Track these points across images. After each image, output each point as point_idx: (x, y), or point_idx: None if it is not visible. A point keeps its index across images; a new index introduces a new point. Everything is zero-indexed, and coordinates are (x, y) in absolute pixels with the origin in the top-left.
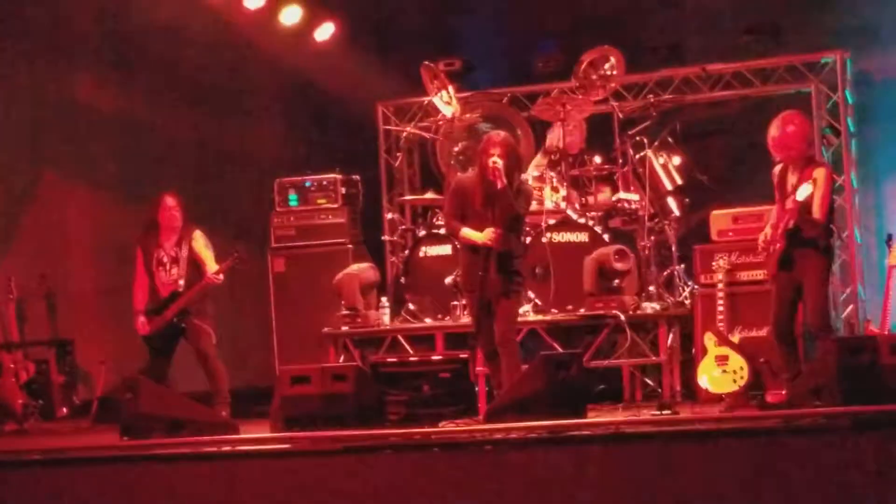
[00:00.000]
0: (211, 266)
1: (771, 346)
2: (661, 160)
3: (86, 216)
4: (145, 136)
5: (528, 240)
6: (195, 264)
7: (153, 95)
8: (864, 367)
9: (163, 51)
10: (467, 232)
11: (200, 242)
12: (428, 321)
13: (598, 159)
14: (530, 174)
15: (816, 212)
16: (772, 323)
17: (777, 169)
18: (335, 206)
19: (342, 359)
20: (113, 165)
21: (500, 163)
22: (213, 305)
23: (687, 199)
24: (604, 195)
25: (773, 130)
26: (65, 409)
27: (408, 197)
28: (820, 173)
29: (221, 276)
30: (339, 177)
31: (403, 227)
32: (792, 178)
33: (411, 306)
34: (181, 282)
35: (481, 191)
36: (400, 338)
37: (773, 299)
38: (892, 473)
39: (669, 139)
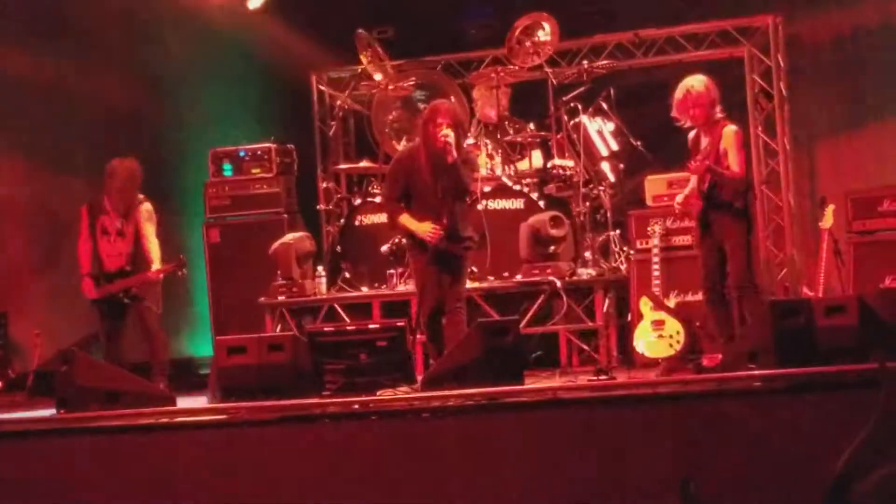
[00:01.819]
0: (154, 252)
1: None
2: (596, 126)
3: (18, 187)
4: (79, 107)
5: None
6: (140, 239)
7: (86, 65)
8: (799, 330)
9: (94, 19)
10: (407, 221)
11: (144, 216)
12: (364, 290)
13: (532, 126)
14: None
15: (734, 167)
16: (701, 288)
17: (692, 134)
18: (270, 175)
19: (279, 328)
20: (46, 136)
21: (451, 136)
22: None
23: (621, 165)
24: (538, 161)
25: (677, 93)
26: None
27: (343, 166)
28: (728, 131)
29: (161, 276)
30: (273, 146)
31: (339, 195)
32: (704, 142)
33: (347, 275)
34: (126, 258)
35: (429, 164)
36: (336, 307)
37: (699, 264)
38: (828, 435)
39: (603, 105)
